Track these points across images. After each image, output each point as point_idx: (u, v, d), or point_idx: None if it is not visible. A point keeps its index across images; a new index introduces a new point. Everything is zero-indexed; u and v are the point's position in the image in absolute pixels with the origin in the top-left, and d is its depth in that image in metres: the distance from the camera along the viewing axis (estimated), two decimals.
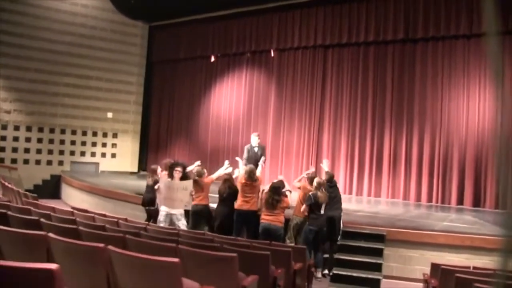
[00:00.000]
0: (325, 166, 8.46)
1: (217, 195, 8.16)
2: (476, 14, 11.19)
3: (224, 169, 8.38)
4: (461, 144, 11.45)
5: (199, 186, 7.91)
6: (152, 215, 8.88)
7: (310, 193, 7.34)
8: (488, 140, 11.12)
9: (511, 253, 0.90)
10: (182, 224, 7.82)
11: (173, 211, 7.60)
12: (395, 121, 12.37)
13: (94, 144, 15.92)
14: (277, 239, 7.14)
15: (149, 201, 8.87)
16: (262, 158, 8.81)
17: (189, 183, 7.78)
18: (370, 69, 12.82)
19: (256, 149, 9.19)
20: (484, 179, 11.17)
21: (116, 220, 6.80)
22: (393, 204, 11.58)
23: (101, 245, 3.23)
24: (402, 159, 12.18)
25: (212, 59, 15.61)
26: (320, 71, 13.61)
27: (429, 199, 11.73)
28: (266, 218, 7.26)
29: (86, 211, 7.69)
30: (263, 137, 14.29)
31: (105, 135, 16.10)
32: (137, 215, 9.72)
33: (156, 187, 8.02)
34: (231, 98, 15.37)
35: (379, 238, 7.18)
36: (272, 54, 14.40)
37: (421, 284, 6.34)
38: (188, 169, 8.37)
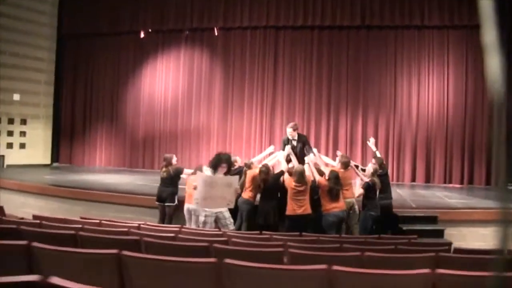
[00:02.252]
0: (372, 146, 8.44)
1: None
2: (427, 7, 12.13)
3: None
4: (413, 126, 12.44)
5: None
6: (169, 214, 7.76)
7: (367, 179, 7.25)
8: (436, 122, 12.30)
9: (508, 224, 0.96)
10: (231, 223, 6.97)
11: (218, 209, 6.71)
12: (350, 105, 12.82)
13: None
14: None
15: (168, 197, 7.72)
16: (311, 156, 7.66)
17: (234, 179, 6.84)
18: (325, 54, 12.99)
19: (294, 143, 8.14)
20: (433, 157, 12.35)
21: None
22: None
23: None
24: (359, 141, 12.73)
25: (142, 35, 13.99)
26: (271, 53, 13.28)
27: None
28: (338, 206, 6.93)
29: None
30: (208, 120, 13.55)
31: (11, 121, 13.24)
32: (128, 217, 8.34)
33: (192, 187, 6.88)
34: (166, 79, 14.04)
35: (433, 220, 7.44)
36: (216, 33, 13.53)
37: None
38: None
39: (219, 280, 2.90)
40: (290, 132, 8.17)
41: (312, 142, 12.86)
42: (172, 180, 7.85)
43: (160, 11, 13.71)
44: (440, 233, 7.24)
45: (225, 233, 5.73)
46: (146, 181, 10.91)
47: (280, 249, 4.07)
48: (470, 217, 7.72)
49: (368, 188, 7.22)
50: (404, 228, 7.36)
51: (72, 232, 4.40)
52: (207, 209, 6.79)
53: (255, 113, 13.31)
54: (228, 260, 2.90)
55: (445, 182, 12.18)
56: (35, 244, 3.10)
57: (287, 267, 3.28)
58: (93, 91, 14.53)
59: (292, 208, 6.91)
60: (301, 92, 13.10)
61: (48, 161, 14.10)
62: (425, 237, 7.06)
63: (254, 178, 7.34)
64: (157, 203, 7.88)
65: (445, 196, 9.63)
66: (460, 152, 12.12)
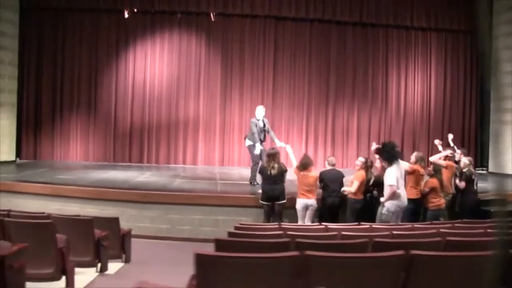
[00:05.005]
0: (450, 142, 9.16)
1: None
2: (415, 10, 13.28)
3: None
4: (401, 119, 13.64)
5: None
6: (279, 211, 7.47)
7: (465, 169, 7.92)
8: (420, 116, 13.66)
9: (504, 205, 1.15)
10: None
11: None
12: (347, 98, 13.44)
13: None
14: None
15: (280, 194, 7.51)
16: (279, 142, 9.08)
17: None
18: (324, 47, 13.32)
19: (261, 123, 9.20)
20: (418, 147, 13.71)
21: None
22: None
23: None
24: (354, 132, 13.48)
25: (126, 15, 12.52)
26: (272, 43, 13.15)
27: None
28: (442, 202, 7.45)
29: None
30: (210, 110, 13.00)
31: None
32: (222, 219, 7.75)
33: (389, 181, 6.57)
34: (160, 65, 12.84)
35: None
36: (213, 19, 12.81)
37: None
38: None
39: None
40: (263, 112, 9.38)
41: (311, 132, 13.34)
42: (281, 177, 7.58)
43: None
44: None
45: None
46: (174, 178, 10.22)
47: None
48: None
49: (468, 180, 7.95)
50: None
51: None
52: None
53: (256, 104, 13.06)
54: None
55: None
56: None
57: None
58: (65, 75, 12.50)
59: (415, 192, 7.31)
60: (301, 84, 13.29)
61: (13, 157, 11.82)
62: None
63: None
64: (264, 202, 7.49)
65: None
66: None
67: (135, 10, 12.56)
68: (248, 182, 9.42)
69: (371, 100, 13.52)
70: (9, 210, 5.93)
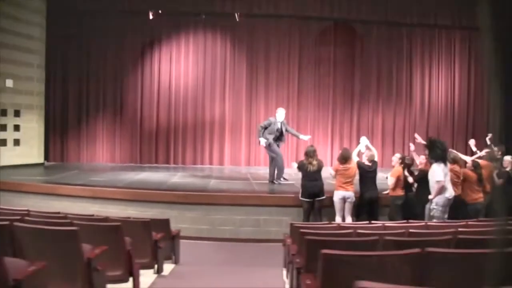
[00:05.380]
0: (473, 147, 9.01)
1: None
2: (439, 8, 13.23)
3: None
4: (425, 116, 13.59)
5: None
6: (318, 208, 7.46)
7: (508, 168, 7.85)
8: (444, 113, 13.61)
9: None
10: None
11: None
12: (372, 97, 13.42)
13: None
14: None
15: (320, 191, 7.56)
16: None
17: None
18: (348, 46, 13.32)
19: (279, 125, 9.44)
20: None
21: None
22: None
23: None
24: (379, 130, 13.45)
25: (151, 16, 12.52)
26: (296, 43, 13.14)
27: None
28: (481, 197, 7.42)
29: None
30: (236, 110, 13.01)
31: (3, 113, 10.72)
32: (264, 219, 7.73)
33: (436, 177, 6.55)
34: (186, 66, 12.88)
35: None
36: (237, 19, 12.80)
37: None
38: None
39: None
40: (283, 115, 9.60)
41: (336, 132, 13.33)
42: (320, 173, 7.61)
43: None
44: None
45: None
46: (207, 178, 10.25)
47: None
48: None
49: (508, 178, 7.89)
50: None
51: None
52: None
53: (281, 104, 13.05)
54: None
55: None
56: None
57: None
58: (90, 77, 12.55)
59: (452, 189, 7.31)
60: (326, 83, 13.30)
61: (42, 160, 11.84)
62: None
63: None
64: (304, 199, 7.49)
65: None
66: (464, 139, 13.64)
67: (160, 11, 12.56)
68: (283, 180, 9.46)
69: (396, 98, 13.49)
70: (60, 213, 5.95)
